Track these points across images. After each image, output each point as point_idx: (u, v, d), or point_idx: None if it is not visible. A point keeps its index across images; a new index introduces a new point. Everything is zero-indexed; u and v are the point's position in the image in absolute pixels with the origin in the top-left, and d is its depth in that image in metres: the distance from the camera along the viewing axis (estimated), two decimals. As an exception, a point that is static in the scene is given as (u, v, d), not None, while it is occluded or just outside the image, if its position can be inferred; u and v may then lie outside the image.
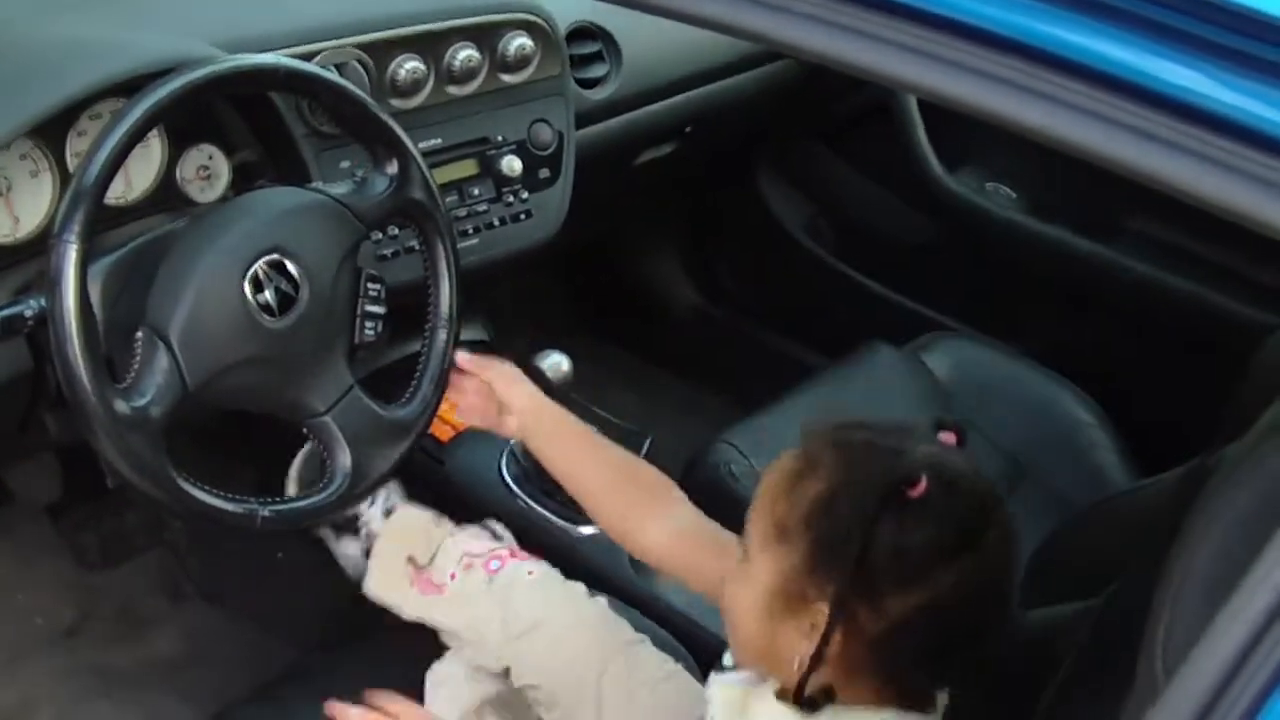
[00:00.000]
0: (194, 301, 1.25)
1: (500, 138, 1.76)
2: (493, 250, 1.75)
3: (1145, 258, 2.20)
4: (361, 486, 1.37)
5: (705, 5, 0.95)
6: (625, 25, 1.99)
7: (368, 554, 1.55)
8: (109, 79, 1.31)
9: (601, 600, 1.46)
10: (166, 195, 1.46)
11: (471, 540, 1.51)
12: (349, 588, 1.59)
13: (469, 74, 1.70)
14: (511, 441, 1.67)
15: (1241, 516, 0.89)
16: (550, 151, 1.82)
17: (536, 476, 1.65)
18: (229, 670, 1.91)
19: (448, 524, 1.54)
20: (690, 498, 1.37)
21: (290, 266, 1.31)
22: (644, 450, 1.73)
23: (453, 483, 1.72)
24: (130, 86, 1.27)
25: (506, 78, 1.76)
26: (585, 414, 1.72)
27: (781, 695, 1.06)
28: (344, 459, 1.36)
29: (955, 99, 0.86)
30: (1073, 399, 2.08)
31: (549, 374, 1.66)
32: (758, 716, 1.09)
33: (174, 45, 1.37)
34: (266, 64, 1.35)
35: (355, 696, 1.48)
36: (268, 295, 1.29)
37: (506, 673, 1.43)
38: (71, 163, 1.34)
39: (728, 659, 1.15)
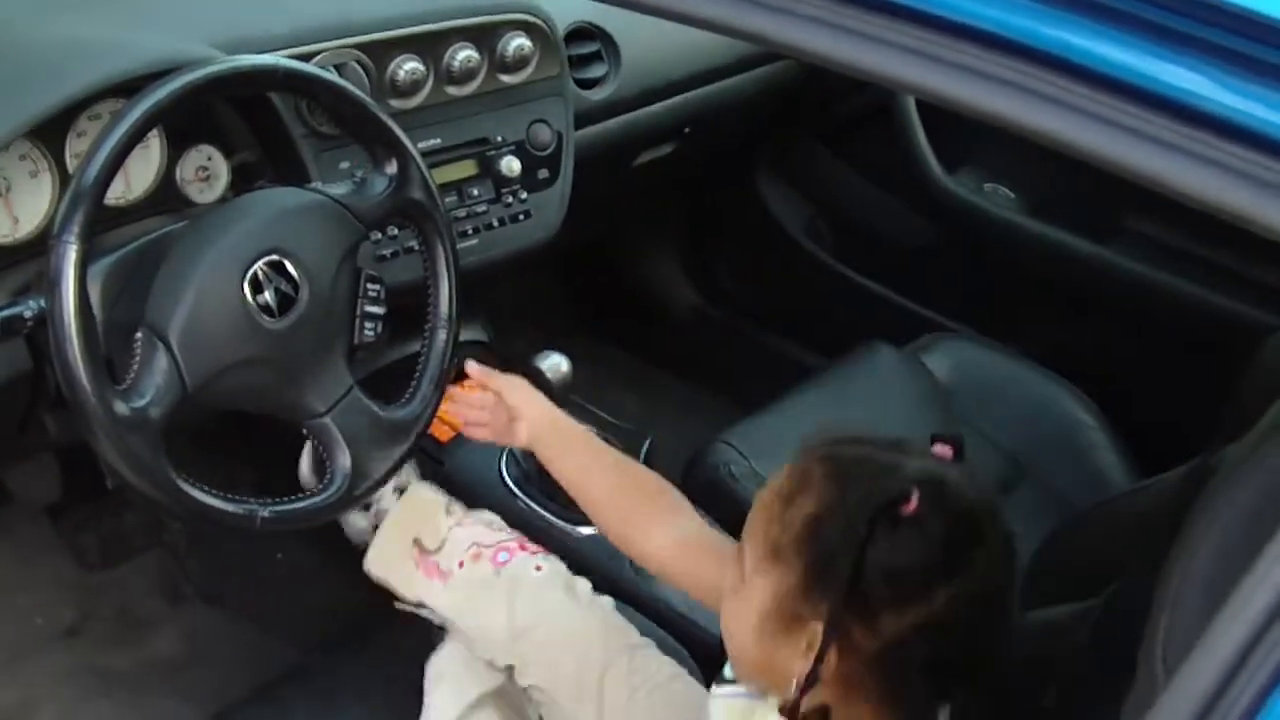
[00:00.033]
0: (193, 302, 1.25)
1: (499, 138, 1.76)
2: (492, 251, 1.75)
3: (1145, 258, 2.20)
4: (362, 487, 1.37)
5: (706, 6, 0.95)
6: (624, 26, 1.99)
7: (375, 529, 1.54)
8: (108, 80, 1.31)
9: (607, 601, 1.46)
10: (166, 196, 1.46)
11: (482, 529, 1.50)
12: (348, 588, 1.59)
13: (468, 74, 1.70)
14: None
15: (1242, 516, 0.90)
16: (549, 152, 1.82)
17: (537, 477, 1.65)
18: (228, 671, 1.91)
19: (459, 510, 1.53)
20: (690, 498, 1.37)
21: (290, 267, 1.31)
22: (644, 450, 1.74)
23: (453, 483, 1.71)
24: (129, 87, 1.27)
25: (505, 78, 1.76)
26: (585, 414, 1.72)
27: (783, 711, 1.06)
28: (344, 459, 1.36)
29: (957, 101, 0.86)
30: (1072, 400, 2.08)
31: (548, 374, 1.67)
32: None
33: (173, 46, 1.37)
34: (265, 65, 1.35)
35: (355, 697, 1.49)
36: (267, 296, 1.29)
37: (510, 670, 1.42)
38: (71, 163, 1.34)
39: (729, 670, 1.15)
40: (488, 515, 1.55)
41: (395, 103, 1.63)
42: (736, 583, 1.08)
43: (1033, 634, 1.48)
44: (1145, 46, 0.82)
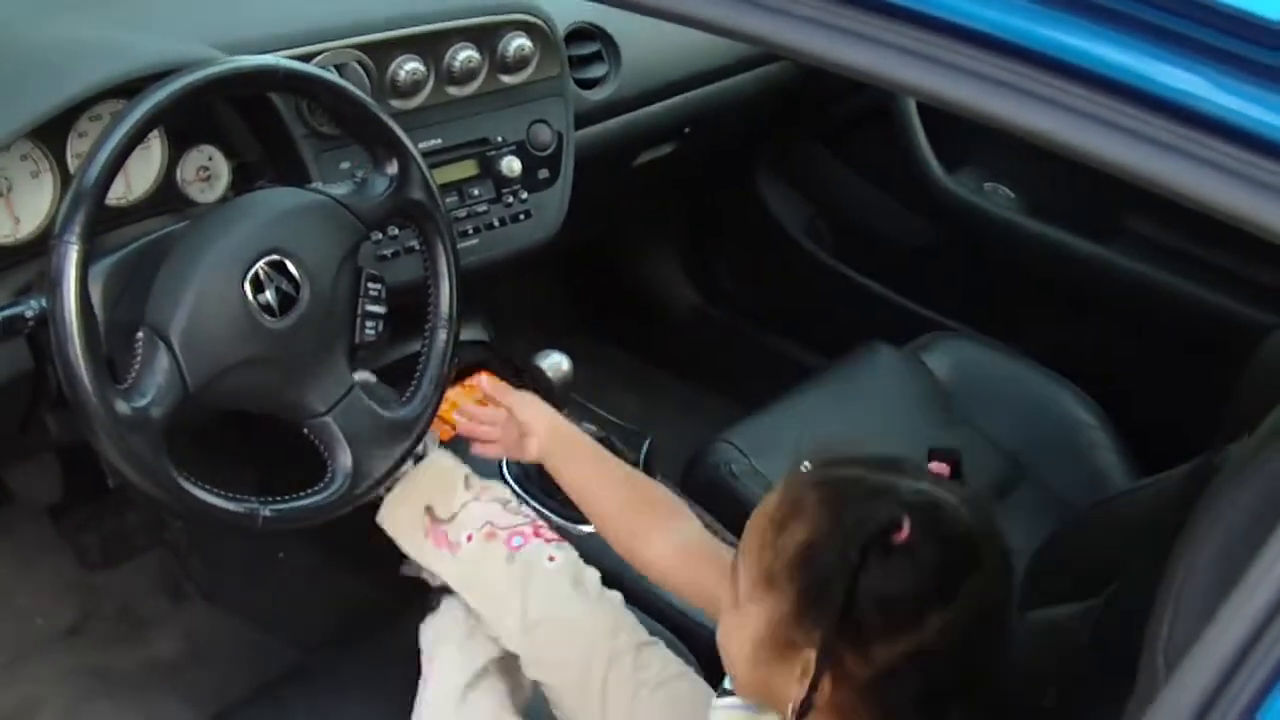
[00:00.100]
0: (195, 302, 1.25)
1: (500, 138, 1.76)
2: (492, 250, 1.75)
3: (1144, 258, 2.20)
4: (362, 486, 1.37)
5: (705, 8, 0.95)
6: (624, 26, 1.99)
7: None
8: (109, 80, 1.31)
9: (616, 595, 1.46)
10: (167, 196, 1.46)
11: (498, 509, 1.50)
12: (349, 588, 1.59)
13: (469, 75, 1.70)
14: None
15: (1244, 517, 0.90)
16: (550, 152, 1.82)
17: (537, 475, 1.65)
18: (229, 670, 1.92)
19: (477, 484, 1.52)
20: (691, 497, 1.38)
21: (290, 267, 1.32)
22: (644, 450, 1.74)
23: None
24: (130, 88, 1.28)
25: (506, 78, 1.76)
26: (585, 414, 1.73)
27: None
28: (344, 459, 1.36)
29: (955, 102, 0.86)
30: (1072, 399, 2.08)
31: (549, 374, 1.67)
32: None
33: (174, 47, 1.37)
34: (266, 65, 1.35)
35: (356, 696, 1.49)
36: (268, 296, 1.29)
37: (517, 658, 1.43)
38: (72, 164, 1.34)
39: (729, 682, 1.15)
40: (504, 493, 1.55)
41: (396, 103, 1.63)
42: (731, 603, 1.08)
43: (1033, 634, 1.48)
44: (1142, 47, 0.82)
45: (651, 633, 1.45)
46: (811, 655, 0.99)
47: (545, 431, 1.42)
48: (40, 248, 1.23)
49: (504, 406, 1.46)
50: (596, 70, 1.98)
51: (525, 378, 1.70)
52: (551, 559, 1.45)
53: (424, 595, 1.51)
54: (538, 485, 1.66)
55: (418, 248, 1.49)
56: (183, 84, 1.24)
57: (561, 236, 1.85)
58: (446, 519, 1.48)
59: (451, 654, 1.43)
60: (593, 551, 1.48)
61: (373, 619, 1.59)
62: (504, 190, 1.77)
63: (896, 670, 0.97)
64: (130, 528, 2.11)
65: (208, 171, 1.49)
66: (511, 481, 1.68)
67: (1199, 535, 0.91)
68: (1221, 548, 0.88)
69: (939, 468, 1.05)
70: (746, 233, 2.72)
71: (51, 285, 1.16)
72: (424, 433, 1.45)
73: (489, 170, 1.75)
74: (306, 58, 1.50)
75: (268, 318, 1.29)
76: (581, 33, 1.96)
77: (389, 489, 1.48)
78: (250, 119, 1.51)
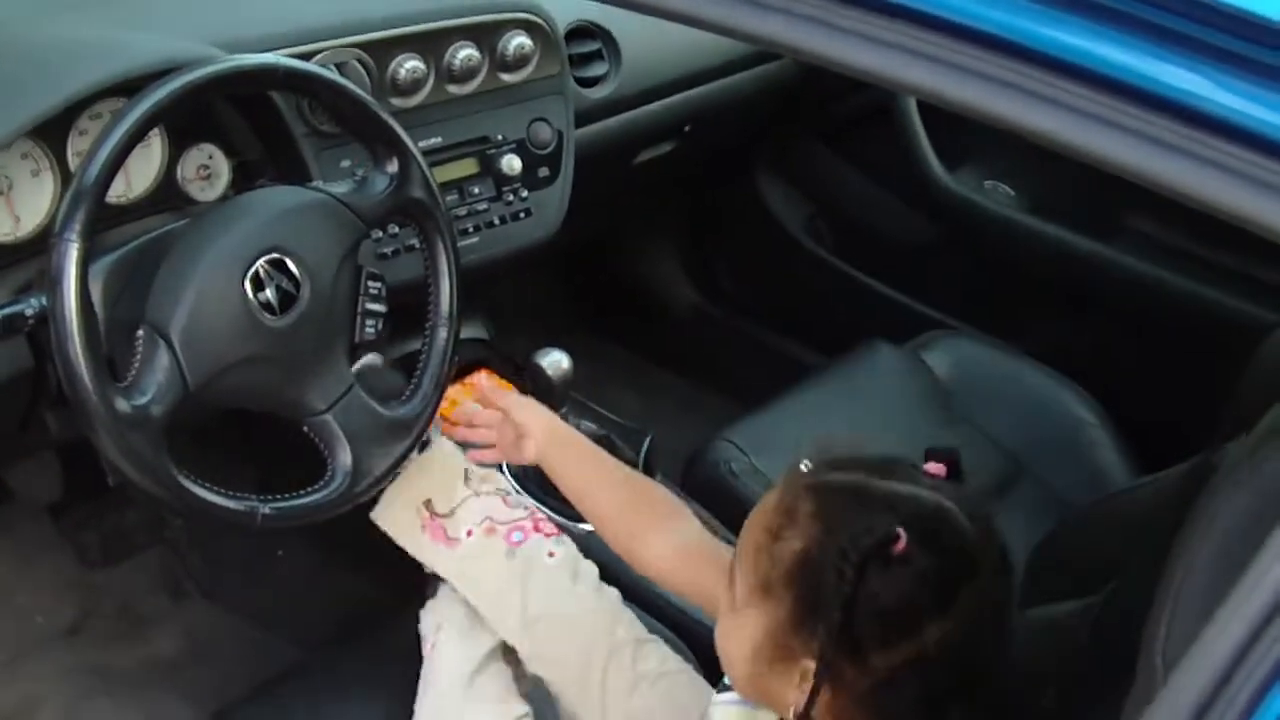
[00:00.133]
0: (195, 300, 1.25)
1: (500, 136, 1.76)
2: (493, 249, 1.75)
3: (1145, 256, 2.20)
4: (362, 484, 1.37)
5: (706, 7, 0.95)
6: (624, 24, 1.99)
7: None
8: (109, 79, 1.31)
9: (614, 592, 1.46)
10: (167, 194, 1.46)
11: (498, 503, 1.50)
12: (349, 586, 1.59)
13: (469, 73, 1.70)
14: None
15: (1242, 517, 0.90)
16: (550, 150, 1.82)
17: (536, 474, 1.65)
18: (229, 668, 1.92)
19: (476, 479, 1.52)
20: (691, 495, 1.38)
21: (291, 265, 1.32)
22: (644, 448, 1.74)
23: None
24: (130, 86, 1.28)
25: (506, 77, 1.76)
26: (585, 412, 1.73)
27: None
28: (344, 457, 1.36)
29: (957, 102, 0.86)
30: (1073, 398, 2.08)
31: (549, 372, 1.67)
32: None
33: (174, 45, 1.37)
34: (266, 64, 1.35)
35: (356, 694, 1.49)
36: (268, 294, 1.29)
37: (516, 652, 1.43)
38: (72, 162, 1.34)
39: (728, 678, 1.15)
40: (504, 484, 1.55)
41: (396, 101, 1.63)
42: (729, 605, 1.08)
43: (1033, 632, 1.49)
44: (1144, 47, 0.82)
45: (650, 630, 1.46)
46: (809, 663, 0.99)
47: (542, 433, 1.41)
48: (40, 246, 1.23)
49: (500, 409, 1.46)
50: (597, 69, 1.98)
51: (525, 375, 1.70)
52: (551, 554, 1.45)
53: (424, 592, 1.52)
54: (536, 483, 1.66)
55: (418, 246, 1.49)
56: (183, 82, 1.24)
57: (562, 235, 1.85)
58: (445, 513, 1.47)
59: (454, 640, 1.43)
60: (592, 550, 1.48)
61: (373, 617, 1.59)
62: (504, 188, 1.77)
63: (895, 678, 0.98)
64: (130, 526, 2.11)
65: (208, 170, 1.49)
66: (510, 479, 1.68)
67: (1197, 535, 0.91)
68: (1219, 548, 0.88)
69: (935, 468, 1.05)
70: (747, 231, 2.72)
71: (52, 283, 1.16)
72: (424, 431, 1.45)
73: (489, 168, 1.75)
74: (307, 56, 1.50)
75: (268, 316, 1.29)
76: (582, 31, 1.96)
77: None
78: (251, 117, 1.51)
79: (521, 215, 1.79)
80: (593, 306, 2.87)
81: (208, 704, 1.59)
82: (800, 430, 1.90)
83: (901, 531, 0.95)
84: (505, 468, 1.69)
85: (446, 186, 1.66)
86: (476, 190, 1.74)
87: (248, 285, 1.28)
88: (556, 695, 1.41)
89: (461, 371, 1.75)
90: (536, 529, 1.48)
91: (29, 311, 1.22)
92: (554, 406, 1.58)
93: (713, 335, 2.78)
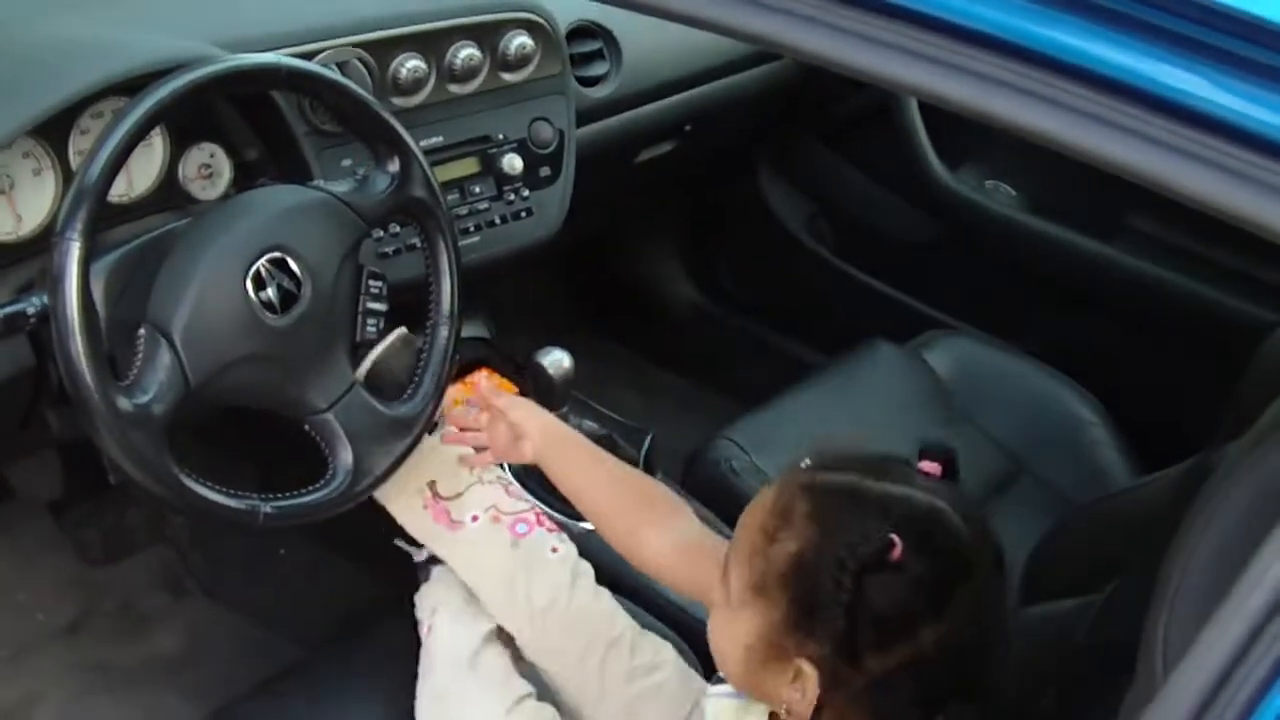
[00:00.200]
0: (196, 299, 1.25)
1: (501, 136, 1.76)
2: (494, 248, 1.75)
3: (1146, 256, 2.20)
4: (363, 483, 1.38)
5: (707, 7, 0.95)
6: (625, 24, 1.99)
7: None
8: (111, 78, 1.31)
9: (605, 593, 1.47)
10: (169, 193, 1.46)
11: (501, 493, 1.50)
12: (350, 584, 1.59)
13: (470, 72, 1.70)
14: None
15: (1240, 515, 0.90)
16: (551, 150, 1.82)
17: (536, 473, 1.65)
18: (230, 666, 1.92)
19: (480, 467, 1.53)
20: (691, 494, 1.38)
21: (292, 264, 1.32)
22: (645, 446, 1.74)
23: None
24: (132, 86, 1.28)
25: (507, 76, 1.77)
26: (586, 410, 1.73)
27: None
28: (345, 455, 1.36)
29: (957, 102, 0.87)
30: (1073, 397, 2.08)
31: (550, 371, 1.67)
32: None
33: (176, 45, 1.37)
34: (268, 63, 1.35)
35: (357, 692, 1.49)
36: (270, 293, 1.30)
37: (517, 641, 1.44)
38: (74, 161, 1.34)
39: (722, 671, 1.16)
40: (507, 475, 1.55)
41: (397, 101, 1.63)
42: (723, 600, 1.09)
43: (1033, 630, 1.49)
44: (1142, 47, 0.82)
45: (649, 627, 1.46)
46: (803, 662, 1.00)
47: (538, 433, 1.42)
48: (42, 245, 1.23)
49: (496, 409, 1.46)
50: (598, 68, 1.98)
51: (526, 374, 1.70)
52: (554, 550, 1.46)
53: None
54: (536, 481, 1.66)
55: (419, 245, 1.49)
56: (185, 81, 1.24)
57: (563, 234, 1.85)
58: (449, 496, 1.48)
59: (451, 622, 1.44)
60: (592, 549, 1.49)
61: (373, 615, 1.59)
62: (505, 188, 1.77)
63: (890, 679, 0.98)
64: (131, 524, 2.11)
65: (209, 169, 1.50)
66: (510, 477, 1.68)
67: (1196, 534, 0.91)
68: (1218, 547, 0.88)
69: (930, 467, 1.05)
70: (747, 230, 2.72)
71: (53, 282, 1.16)
72: (424, 430, 1.45)
73: (490, 168, 1.75)
74: (308, 56, 1.50)
75: (269, 315, 1.30)
76: (583, 31, 1.96)
77: None
78: (252, 117, 1.51)
79: (523, 214, 1.79)
80: (594, 305, 2.87)
81: (208, 702, 1.60)
82: (801, 429, 1.91)
83: (897, 539, 0.95)
84: (506, 466, 1.70)
85: (448, 186, 1.66)
86: (478, 189, 1.74)
87: (249, 284, 1.28)
88: (554, 685, 1.42)
89: (463, 370, 1.76)
90: (539, 523, 1.49)
91: (31, 310, 1.22)
92: (555, 405, 1.58)
93: (714, 334, 2.78)
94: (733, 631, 1.06)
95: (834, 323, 2.46)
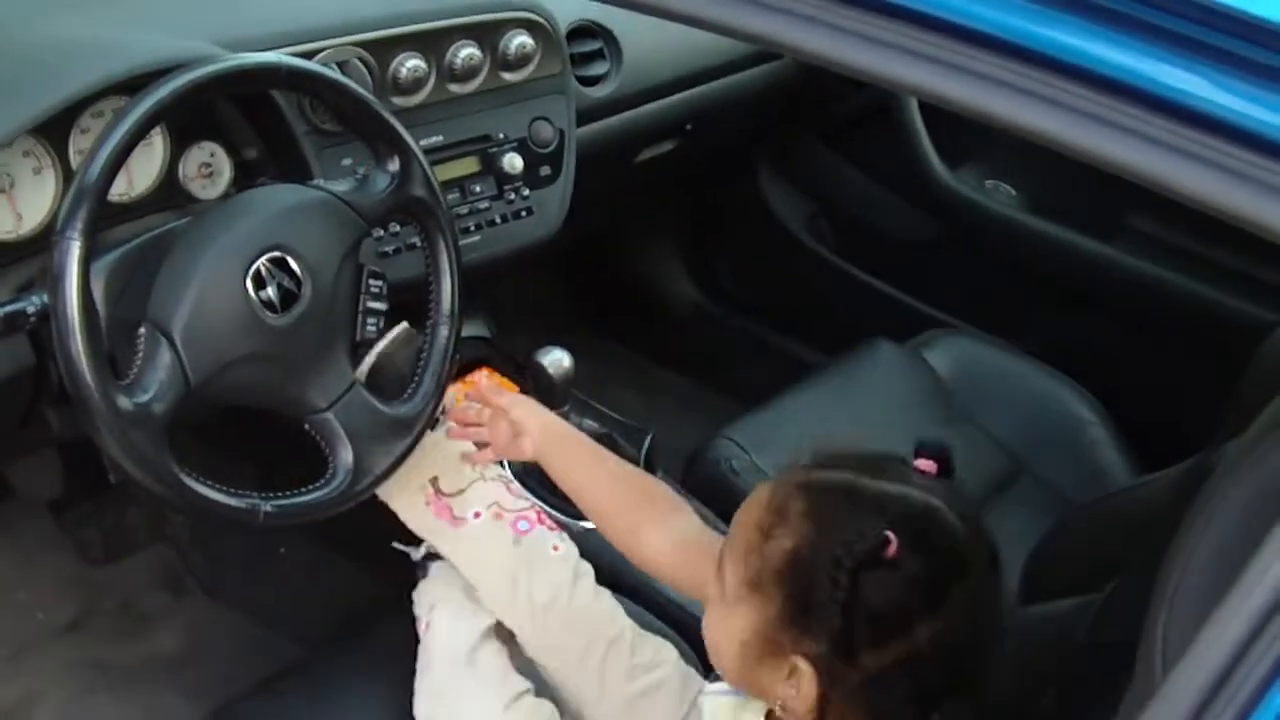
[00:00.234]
0: (196, 298, 1.25)
1: (501, 135, 1.76)
2: (494, 247, 1.75)
3: (1146, 255, 2.21)
4: (363, 482, 1.38)
5: (707, 7, 0.95)
6: (626, 23, 1.99)
7: None
8: (111, 77, 1.31)
9: (606, 592, 1.47)
10: (169, 193, 1.46)
11: (503, 491, 1.51)
12: (350, 583, 1.59)
13: (470, 72, 1.71)
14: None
15: (1240, 513, 0.90)
16: (551, 149, 1.82)
17: (536, 471, 1.65)
18: (230, 665, 1.92)
19: (482, 464, 1.53)
20: (691, 493, 1.38)
21: (292, 263, 1.32)
22: (645, 446, 1.74)
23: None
24: (132, 85, 1.28)
25: (507, 76, 1.77)
26: (587, 410, 1.73)
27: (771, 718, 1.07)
28: (345, 455, 1.36)
29: (957, 102, 0.87)
30: (1074, 396, 2.08)
31: (550, 370, 1.67)
32: None
33: (176, 44, 1.37)
34: (268, 63, 1.35)
35: (356, 691, 1.49)
36: (270, 292, 1.30)
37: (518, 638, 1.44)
38: (74, 160, 1.35)
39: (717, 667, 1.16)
40: (507, 473, 1.55)
41: (398, 100, 1.63)
42: (718, 596, 1.09)
43: (1033, 629, 1.49)
44: (1142, 47, 0.82)
45: (650, 627, 1.47)
46: (798, 659, 1.00)
47: (539, 431, 1.42)
48: (42, 244, 1.23)
49: (497, 407, 1.46)
50: (598, 67, 1.98)
51: (527, 374, 1.70)
52: (556, 548, 1.47)
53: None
54: (537, 480, 1.67)
55: (419, 244, 1.49)
56: (185, 81, 1.24)
57: (563, 233, 1.85)
58: (452, 492, 1.48)
59: (450, 618, 1.44)
60: (592, 548, 1.49)
61: (373, 614, 1.59)
62: (505, 187, 1.77)
63: (886, 676, 0.98)
64: (131, 523, 2.11)
65: (210, 168, 1.50)
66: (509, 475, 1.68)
67: (1195, 533, 0.91)
68: (1218, 545, 0.88)
69: (926, 465, 1.05)
70: (748, 230, 2.72)
71: (53, 281, 1.16)
72: (425, 429, 1.45)
73: (490, 167, 1.75)
74: (309, 55, 1.50)
75: (269, 314, 1.30)
76: (583, 30, 1.96)
77: None
78: (252, 116, 1.51)
79: (523, 214, 1.79)
80: (594, 305, 2.87)
81: (208, 700, 1.60)
82: (801, 428, 1.91)
83: (892, 536, 0.96)
84: (506, 464, 1.70)
85: (448, 185, 1.66)
86: (478, 189, 1.74)
87: (249, 283, 1.28)
88: (553, 682, 1.42)
89: (463, 370, 1.76)
90: (541, 521, 1.49)
91: (31, 309, 1.22)
92: (555, 405, 1.58)
93: (714, 334, 2.78)
94: (728, 628, 1.06)
95: (834, 322, 2.46)
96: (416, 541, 1.52)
